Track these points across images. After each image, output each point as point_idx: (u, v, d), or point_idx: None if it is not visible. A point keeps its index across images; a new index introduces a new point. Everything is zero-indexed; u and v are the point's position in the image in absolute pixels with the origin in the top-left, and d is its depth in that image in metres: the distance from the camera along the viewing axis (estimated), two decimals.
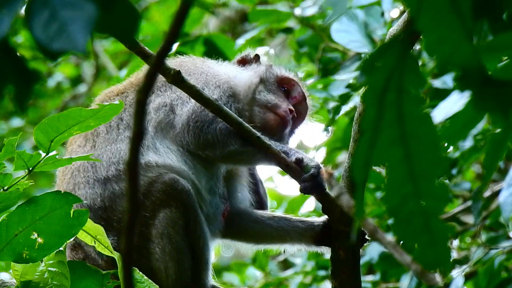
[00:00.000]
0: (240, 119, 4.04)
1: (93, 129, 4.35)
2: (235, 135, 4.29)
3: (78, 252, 4.23)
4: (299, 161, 4.12)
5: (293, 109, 4.58)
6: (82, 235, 3.68)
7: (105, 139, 4.36)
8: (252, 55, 4.79)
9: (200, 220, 4.27)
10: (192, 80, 4.15)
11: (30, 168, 3.66)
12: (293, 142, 4.73)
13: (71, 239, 3.59)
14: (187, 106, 4.37)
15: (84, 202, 4.22)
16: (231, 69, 4.65)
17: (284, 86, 4.69)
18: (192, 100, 4.31)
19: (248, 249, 4.73)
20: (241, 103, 4.49)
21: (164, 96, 4.43)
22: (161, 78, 4.40)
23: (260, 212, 4.66)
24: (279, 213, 4.77)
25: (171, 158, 4.32)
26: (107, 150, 4.32)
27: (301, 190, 4.10)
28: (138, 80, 4.61)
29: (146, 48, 3.82)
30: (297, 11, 6.69)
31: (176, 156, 4.33)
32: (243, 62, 4.77)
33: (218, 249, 4.82)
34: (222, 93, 4.44)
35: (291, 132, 4.68)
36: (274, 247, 4.69)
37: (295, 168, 4.12)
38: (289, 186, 9.85)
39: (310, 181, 4.07)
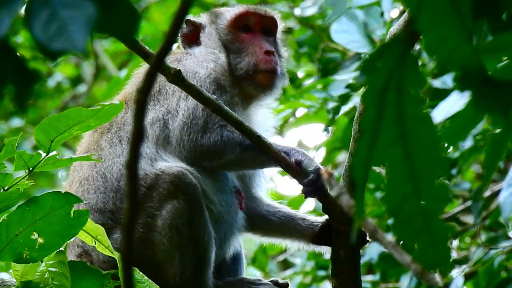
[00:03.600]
0: (241, 119, 4.04)
1: (95, 144, 4.38)
2: (232, 143, 4.30)
3: (82, 259, 4.25)
4: (298, 164, 4.13)
5: (268, 48, 4.55)
6: (82, 235, 3.68)
7: (110, 152, 4.38)
8: (189, 26, 4.67)
9: (205, 216, 4.29)
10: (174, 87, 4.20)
11: (31, 168, 3.66)
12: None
13: (71, 239, 3.59)
14: (176, 120, 4.37)
15: (92, 203, 4.29)
16: (201, 57, 4.57)
17: (240, 27, 4.64)
18: (180, 112, 4.34)
19: (255, 240, 4.75)
20: (228, 93, 4.47)
21: (155, 110, 4.42)
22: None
23: (266, 205, 4.66)
24: (286, 208, 4.75)
25: (180, 164, 4.33)
26: (116, 162, 4.35)
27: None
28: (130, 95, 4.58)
29: (146, 47, 3.82)
30: (297, 11, 6.69)
31: (183, 162, 4.35)
32: (192, 37, 4.69)
33: None
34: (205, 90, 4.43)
35: (279, 56, 4.66)
36: (276, 241, 4.71)
37: (295, 168, 4.13)
38: (289, 186, 9.85)
39: (310, 186, 4.08)
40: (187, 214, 4.25)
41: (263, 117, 4.72)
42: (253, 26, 4.64)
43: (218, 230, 4.41)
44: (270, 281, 4.59)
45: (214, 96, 3.95)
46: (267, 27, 4.67)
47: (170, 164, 4.31)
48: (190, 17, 4.72)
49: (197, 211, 4.27)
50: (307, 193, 4.09)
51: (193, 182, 4.27)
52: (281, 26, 4.75)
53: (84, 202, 4.23)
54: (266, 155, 4.12)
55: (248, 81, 4.52)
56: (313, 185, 4.07)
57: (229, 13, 4.67)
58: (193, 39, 4.69)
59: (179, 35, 4.69)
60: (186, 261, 4.24)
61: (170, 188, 4.25)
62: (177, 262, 4.24)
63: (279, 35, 4.75)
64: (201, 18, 4.75)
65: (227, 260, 4.59)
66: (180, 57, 4.58)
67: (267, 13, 4.68)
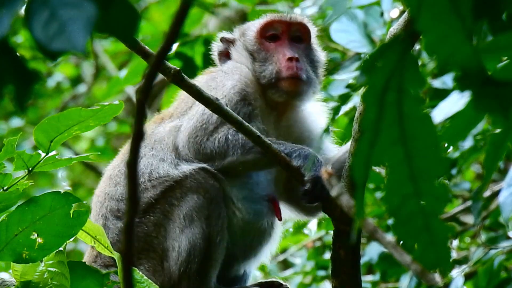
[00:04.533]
0: (241, 119, 4.03)
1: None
2: (234, 145, 4.32)
3: (94, 249, 4.38)
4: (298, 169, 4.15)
5: (291, 55, 4.51)
6: (82, 235, 3.68)
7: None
8: (224, 44, 4.72)
9: (223, 219, 4.35)
10: None
11: (30, 168, 3.66)
12: (322, 63, 4.67)
13: (70, 239, 3.59)
14: (190, 123, 4.43)
15: (112, 194, 4.49)
16: (229, 71, 4.62)
17: (267, 37, 4.64)
18: (195, 117, 4.40)
19: None
20: (250, 106, 4.48)
21: (180, 120, 4.52)
22: (182, 107, 4.52)
23: None
24: None
25: (203, 165, 4.41)
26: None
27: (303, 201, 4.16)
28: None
29: (146, 47, 3.82)
30: (297, 11, 6.68)
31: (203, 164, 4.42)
32: (227, 53, 4.72)
33: None
34: (228, 101, 4.44)
35: (311, 62, 4.63)
36: None
37: (296, 170, 4.13)
38: None
39: (307, 195, 4.09)
40: (205, 210, 4.32)
41: (310, 121, 4.70)
42: (280, 35, 4.61)
43: (244, 238, 4.47)
44: (271, 282, 4.60)
45: (214, 96, 3.95)
46: (296, 34, 4.62)
47: (193, 166, 4.39)
48: (224, 34, 4.74)
49: (215, 212, 4.33)
50: (304, 201, 4.11)
51: (216, 186, 4.34)
52: (313, 30, 4.70)
53: (105, 193, 4.48)
54: (268, 156, 4.12)
55: (273, 89, 4.51)
56: (310, 194, 4.08)
57: (256, 24, 4.68)
58: (228, 55, 4.73)
59: (216, 53, 4.74)
60: (194, 254, 4.29)
61: (193, 184, 4.33)
62: (185, 249, 4.29)
63: (313, 40, 4.69)
64: (234, 33, 4.76)
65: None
66: (215, 75, 4.63)
67: (292, 20, 4.63)
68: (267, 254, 4.64)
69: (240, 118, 4.03)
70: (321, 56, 4.72)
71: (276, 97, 4.51)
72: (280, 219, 4.53)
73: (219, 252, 4.33)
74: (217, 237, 4.32)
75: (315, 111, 4.73)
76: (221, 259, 4.35)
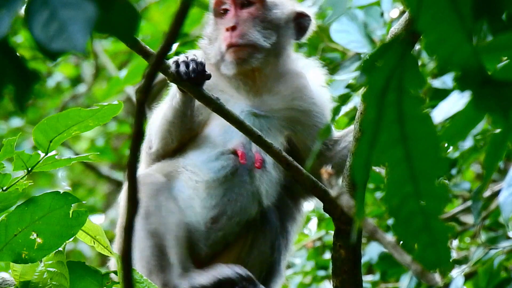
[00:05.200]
0: (241, 118, 4.03)
1: None
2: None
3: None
4: None
5: (227, 25, 4.42)
6: (81, 235, 3.68)
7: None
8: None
9: (166, 211, 4.36)
10: None
11: (29, 168, 3.66)
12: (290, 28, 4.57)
13: (70, 239, 3.59)
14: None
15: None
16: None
17: (217, 14, 4.56)
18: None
19: None
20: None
21: None
22: None
23: None
24: None
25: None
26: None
27: None
28: None
29: (147, 46, 3.82)
30: None
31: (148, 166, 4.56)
32: None
33: None
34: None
35: (263, 21, 4.50)
36: None
37: (296, 167, 4.12)
38: None
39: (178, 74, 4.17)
40: (141, 209, 4.28)
41: (298, 83, 4.63)
42: (230, 8, 4.51)
43: (215, 195, 4.43)
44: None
45: (215, 96, 3.95)
46: (244, 0, 4.50)
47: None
48: None
49: (153, 205, 4.34)
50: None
51: (153, 180, 4.38)
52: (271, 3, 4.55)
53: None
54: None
55: (222, 65, 4.47)
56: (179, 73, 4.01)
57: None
58: None
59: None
60: (147, 255, 4.32)
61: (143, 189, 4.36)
62: (137, 256, 4.31)
63: (269, 8, 4.52)
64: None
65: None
66: None
67: None
68: (269, 197, 4.54)
69: (241, 118, 4.03)
70: (279, 10, 4.54)
71: (226, 71, 4.45)
72: (257, 166, 4.45)
73: (173, 241, 4.33)
74: (160, 227, 4.32)
75: (303, 74, 4.65)
76: (182, 245, 4.34)
